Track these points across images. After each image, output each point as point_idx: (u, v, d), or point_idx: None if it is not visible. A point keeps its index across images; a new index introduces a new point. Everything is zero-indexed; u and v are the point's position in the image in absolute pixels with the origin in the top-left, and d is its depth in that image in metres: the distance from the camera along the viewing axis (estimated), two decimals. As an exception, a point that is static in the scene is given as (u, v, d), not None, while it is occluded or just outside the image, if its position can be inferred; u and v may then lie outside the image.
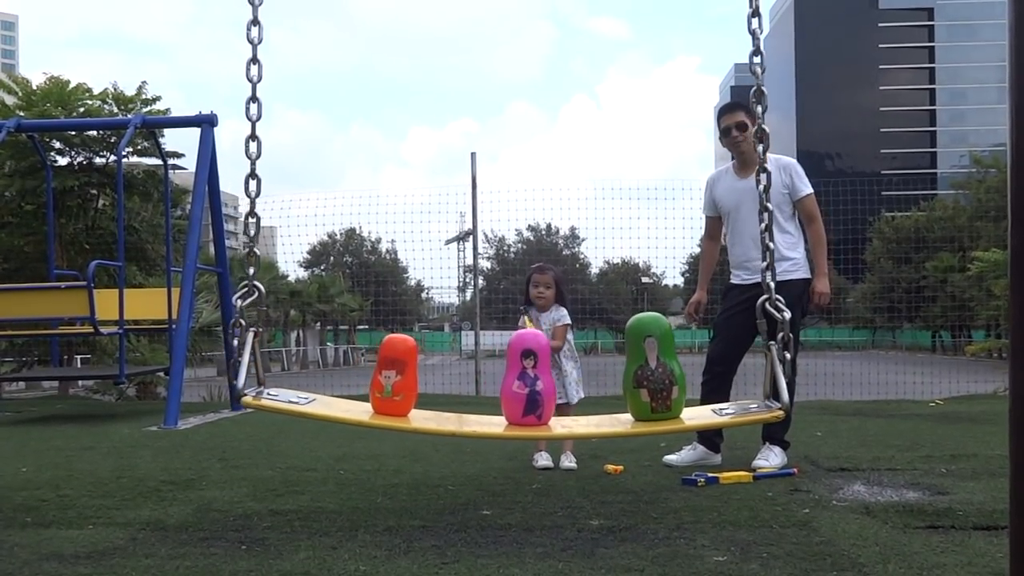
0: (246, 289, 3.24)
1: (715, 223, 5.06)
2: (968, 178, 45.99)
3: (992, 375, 14.16)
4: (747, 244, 4.72)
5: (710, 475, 4.15)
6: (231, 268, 9.49)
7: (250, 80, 3.31)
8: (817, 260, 4.74)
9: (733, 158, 4.90)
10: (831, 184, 14.40)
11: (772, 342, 3.16)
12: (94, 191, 11.12)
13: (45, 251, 9.18)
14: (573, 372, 4.83)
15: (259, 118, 3.31)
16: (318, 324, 43.63)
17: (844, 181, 14.88)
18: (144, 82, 11.08)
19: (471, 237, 12.82)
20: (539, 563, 2.80)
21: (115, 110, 10.79)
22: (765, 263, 3.26)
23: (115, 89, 10.95)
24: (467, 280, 22.43)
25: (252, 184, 3.31)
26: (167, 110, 10.91)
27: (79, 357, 13.51)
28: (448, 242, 17.05)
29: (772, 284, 3.23)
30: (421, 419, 3.35)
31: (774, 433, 4.59)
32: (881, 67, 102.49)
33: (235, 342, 3.19)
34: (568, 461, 4.67)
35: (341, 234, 50.12)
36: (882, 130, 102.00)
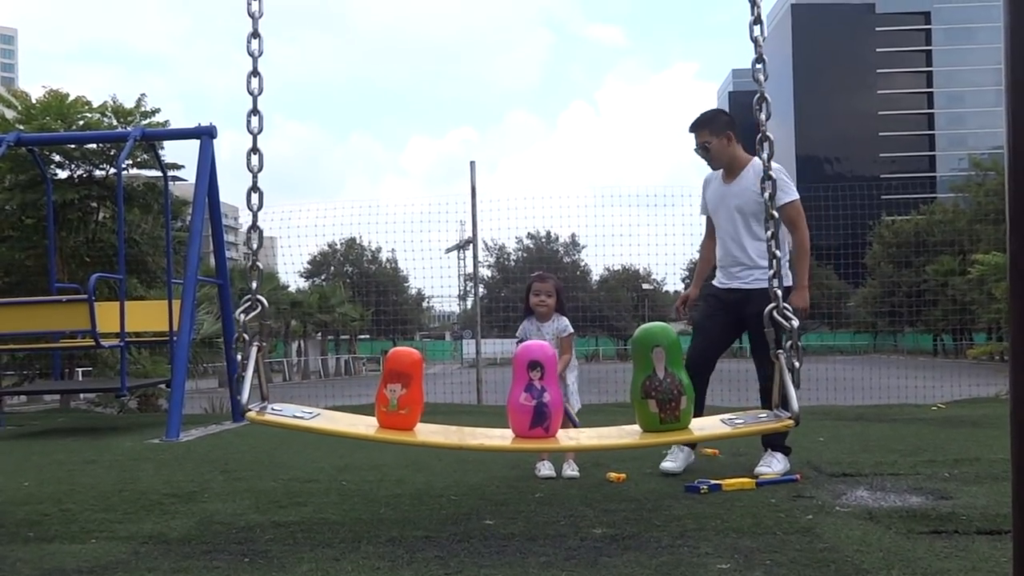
0: (249, 303, 3.23)
1: (711, 223, 5.07)
2: (967, 181, 46.03)
3: (994, 378, 14.13)
4: (726, 247, 4.78)
5: (713, 482, 4.14)
6: (232, 279, 9.50)
7: (251, 93, 3.31)
8: (799, 271, 4.63)
9: None
10: (830, 189, 14.41)
11: (780, 351, 3.15)
12: (94, 204, 11.14)
13: (46, 264, 9.18)
14: (573, 383, 4.84)
15: (260, 131, 3.31)
16: (319, 334, 43.64)
17: (843, 185, 14.89)
18: (143, 95, 11.12)
19: (471, 245, 12.82)
20: (542, 572, 2.79)
21: (115, 123, 10.81)
22: (772, 271, 3.26)
23: (114, 102, 10.99)
24: (468, 288, 22.42)
25: (254, 197, 3.30)
26: (166, 122, 10.93)
27: (81, 370, 13.51)
28: (448, 251, 17.09)
29: (779, 292, 3.23)
30: (427, 432, 3.34)
31: (775, 439, 4.59)
32: (879, 71, 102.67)
33: (238, 356, 3.18)
34: (571, 470, 4.66)
35: (341, 244, 50.08)
36: (880, 134, 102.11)
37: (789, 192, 4.62)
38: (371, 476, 4.69)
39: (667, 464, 4.68)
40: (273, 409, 3.22)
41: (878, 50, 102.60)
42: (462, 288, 22.71)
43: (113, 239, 9.94)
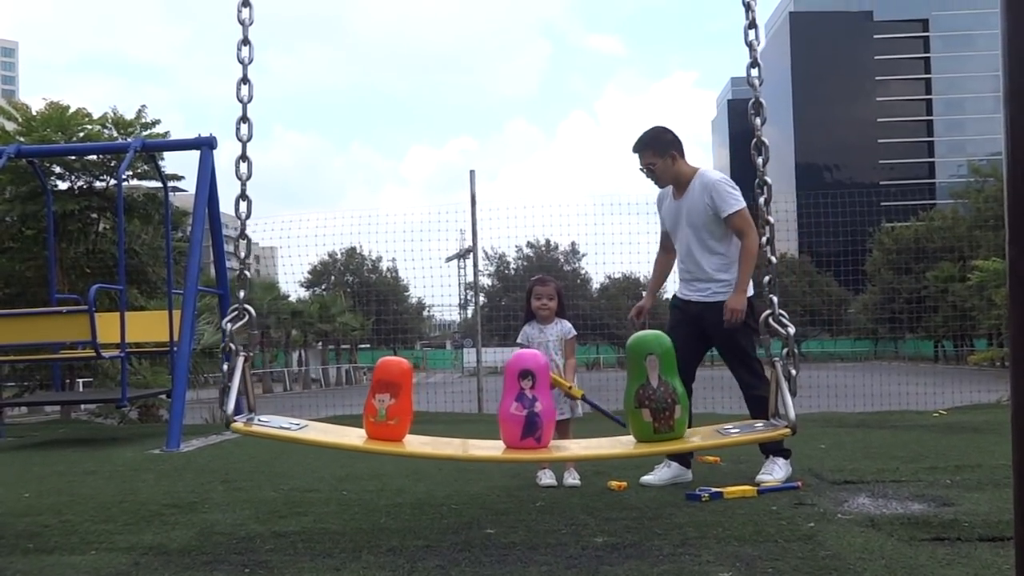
0: (236, 312, 3.21)
1: (666, 236, 5.08)
2: (967, 187, 46.11)
3: (995, 384, 14.12)
4: (683, 261, 4.84)
5: (714, 490, 4.13)
6: (232, 289, 9.49)
7: (240, 100, 3.31)
8: (740, 274, 4.61)
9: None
10: (830, 196, 14.43)
11: (777, 359, 3.14)
12: (95, 215, 11.15)
13: (46, 276, 9.18)
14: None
15: (250, 139, 3.31)
16: (320, 344, 43.61)
17: (843, 192, 14.90)
18: (143, 106, 11.18)
19: (471, 254, 12.83)
20: (544, 582, 2.78)
21: (115, 134, 10.83)
22: (768, 278, 3.26)
23: (115, 113, 11.02)
24: (468, 297, 22.43)
25: (243, 205, 3.29)
26: (166, 133, 10.96)
27: (81, 381, 13.48)
28: (448, 259, 17.05)
29: (775, 299, 3.22)
30: (417, 443, 3.32)
31: (773, 444, 4.56)
32: (877, 78, 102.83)
33: (224, 367, 3.16)
34: (572, 478, 4.65)
35: (342, 253, 50.12)
36: (879, 141, 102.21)
37: (731, 203, 4.63)
38: (371, 486, 4.69)
39: (648, 477, 4.65)
40: (260, 420, 3.20)
41: (876, 57, 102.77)
42: (462, 297, 22.73)
43: (113, 250, 9.94)
